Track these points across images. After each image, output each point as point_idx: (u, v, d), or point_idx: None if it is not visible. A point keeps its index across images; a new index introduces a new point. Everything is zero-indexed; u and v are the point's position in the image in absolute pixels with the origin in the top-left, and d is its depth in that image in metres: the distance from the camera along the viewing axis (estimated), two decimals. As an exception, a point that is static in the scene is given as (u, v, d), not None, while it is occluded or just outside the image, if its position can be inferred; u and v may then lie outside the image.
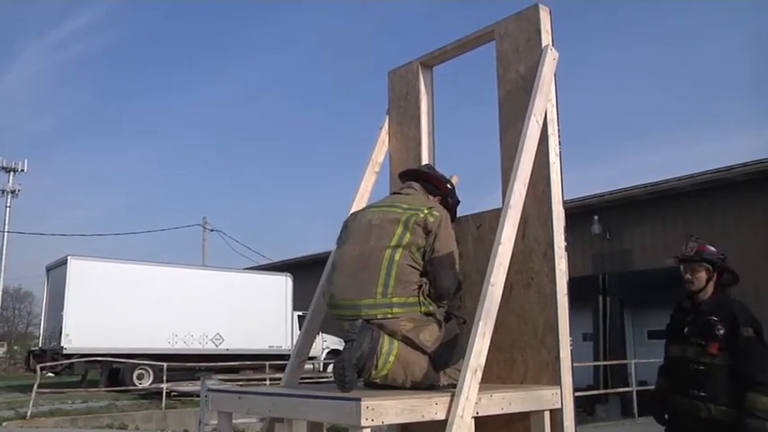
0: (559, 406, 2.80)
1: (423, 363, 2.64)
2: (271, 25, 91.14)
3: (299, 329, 4.01)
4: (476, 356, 2.44)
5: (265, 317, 20.53)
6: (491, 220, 3.15)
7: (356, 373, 2.50)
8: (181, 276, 19.86)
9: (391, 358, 2.57)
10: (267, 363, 17.97)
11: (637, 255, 16.40)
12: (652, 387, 4.14)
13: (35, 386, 13.54)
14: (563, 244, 2.96)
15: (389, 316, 2.60)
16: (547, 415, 2.76)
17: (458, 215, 3.23)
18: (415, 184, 3.07)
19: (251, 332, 20.06)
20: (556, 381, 2.82)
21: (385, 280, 2.63)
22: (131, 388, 17.54)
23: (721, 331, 3.46)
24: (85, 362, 17.11)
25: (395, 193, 3.12)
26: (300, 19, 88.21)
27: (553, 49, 3.10)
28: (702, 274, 3.65)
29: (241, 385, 11.66)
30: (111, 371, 18.40)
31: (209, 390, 3.19)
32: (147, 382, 18.20)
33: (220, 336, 19.95)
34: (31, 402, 12.93)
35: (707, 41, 67.59)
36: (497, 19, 3.32)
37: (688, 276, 3.69)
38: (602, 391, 14.72)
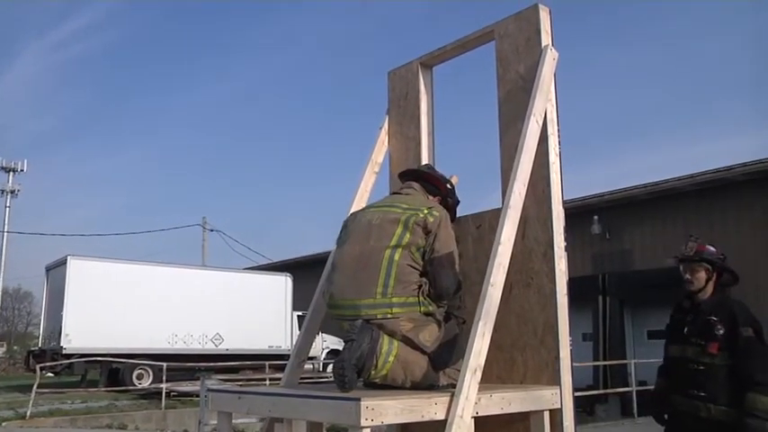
0: (559, 406, 2.80)
1: (422, 363, 2.64)
2: (271, 25, 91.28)
3: (299, 329, 4.01)
4: (475, 356, 2.44)
5: (265, 317, 20.53)
6: (491, 220, 3.15)
7: (356, 373, 2.50)
8: (180, 276, 19.85)
9: (391, 358, 2.57)
10: (267, 363, 17.97)
11: (636, 255, 16.40)
12: (652, 387, 4.14)
13: (35, 386, 13.53)
14: (563, 244, 2.96)
15: (389, 316, 2.60)
16: (546, 415, 2.76)
17: (458, 215, 3.23)
18: (415, 184, 3.07)
19: (251, 332, 20.05)
20: (555, 381, 2.82)
21: (385, 280, 2.63)
22: (131, 388, 17.53)
23: (721, 331, 3.46)
24: (85, 362, 17.11)
25: (395, 193, 3.12)
26: (300, 19, 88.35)
27: (553, 49, 3.10)
28: (702, 274, 3.65)
29: (241, 385, 11.66)
30: (111, 371, 18.40)
31: (209, 390, 3.19)
32: (146, 382, 18.19)
33: (220, 336, 19.94)
34: (31, 402, 12.92)
35: (707, 41, 67.72)
36: (497, 19, 3.32)
37: (687, 276, 3.69)
38: (601, 391, 14.70)
